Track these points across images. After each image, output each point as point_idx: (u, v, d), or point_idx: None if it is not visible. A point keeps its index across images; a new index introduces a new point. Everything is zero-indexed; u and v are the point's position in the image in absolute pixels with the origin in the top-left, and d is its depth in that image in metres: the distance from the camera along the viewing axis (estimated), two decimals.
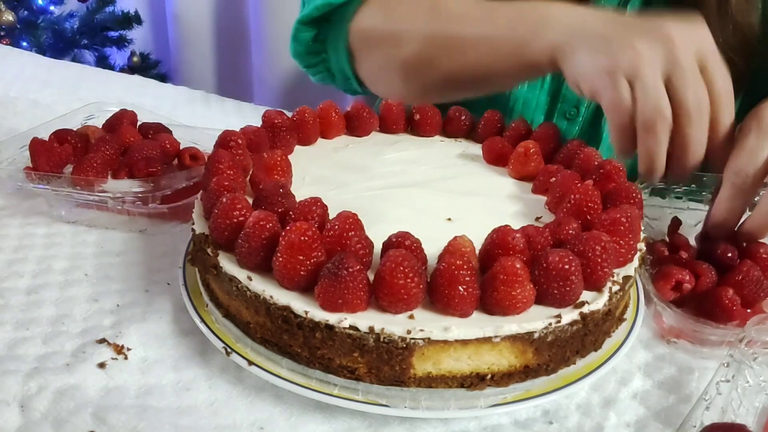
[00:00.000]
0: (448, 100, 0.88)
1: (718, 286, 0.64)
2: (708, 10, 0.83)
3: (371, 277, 0.53)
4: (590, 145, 0.76)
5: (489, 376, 0.54)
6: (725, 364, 0.56)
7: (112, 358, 0.60)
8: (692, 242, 0.72)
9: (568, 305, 0.54)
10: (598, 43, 0.65)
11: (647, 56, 0.62)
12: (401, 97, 0.87)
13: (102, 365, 0.59)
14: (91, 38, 2.39)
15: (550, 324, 0.53)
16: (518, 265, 0.52)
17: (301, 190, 0.66)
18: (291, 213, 0.58)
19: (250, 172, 0.70)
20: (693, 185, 0.79)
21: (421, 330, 0.51)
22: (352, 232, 0.55)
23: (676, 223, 0.75)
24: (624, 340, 0.61)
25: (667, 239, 0.73)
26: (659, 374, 0.61)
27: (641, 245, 0.63)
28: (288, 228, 0.53)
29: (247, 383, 0.58)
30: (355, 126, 0.85)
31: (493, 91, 0.88)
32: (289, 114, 0.82)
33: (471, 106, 0.87)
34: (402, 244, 0.55)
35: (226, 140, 0.70)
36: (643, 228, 0.65)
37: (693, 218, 0.78)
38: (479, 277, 0.54)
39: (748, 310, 0.64)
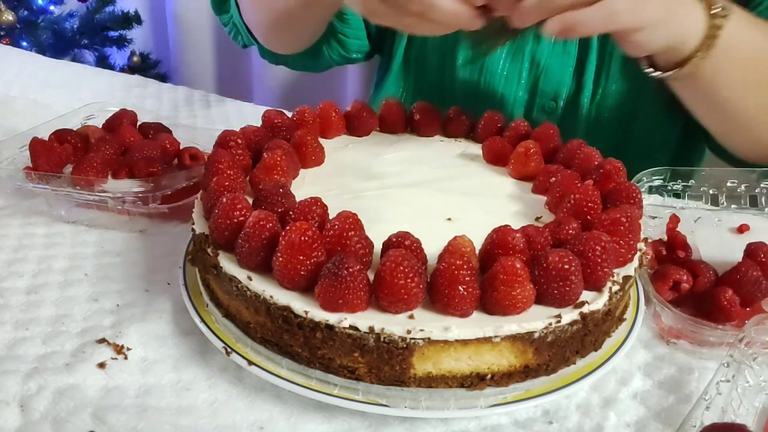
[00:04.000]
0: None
1: (717, 286, 0.64)
2: None
3: (371, 277, 0.53)
4: (569, 136, 0.76)
5: (489, 376, 0.54)
6: (725, 364, 0.56)
7: (112, 358, 0.60)
8: (691, 241, 0.72)
9: (568, 305, 0.54)
10: None
11: None
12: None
13: (102, 365, 0.59)
14: (91, 38, 2.39)
15: (550, 324, 0.53)
16: (518, 265, 0.52)
17: (301, 190, 0.66)
18: (291, 213, 0.58)
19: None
20: (691, 181, 0.79)
21: (421, 330, 0.51)
22: (352, 232, 0.55)
23: (674, 221, 0.75)
24: (624, 340, 0.60)
25: (665, 238, 0.73)
26: (659, 374, 0.61)
27: (641, 245, 0.63)
28: (288, 228, 0.53)
29: (247, 383, 0.58)
30: (355, 126, 0.85)
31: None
32: (289, 114, 0.82)
33: (445, 104, 0.88)
34: (402, 244, 0.55)
35: (225, 140, 0.70)
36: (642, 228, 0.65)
37: (692, 216, 0.78)
38: (479, 277, 0.54)
39: (747, 309, 0.64)
